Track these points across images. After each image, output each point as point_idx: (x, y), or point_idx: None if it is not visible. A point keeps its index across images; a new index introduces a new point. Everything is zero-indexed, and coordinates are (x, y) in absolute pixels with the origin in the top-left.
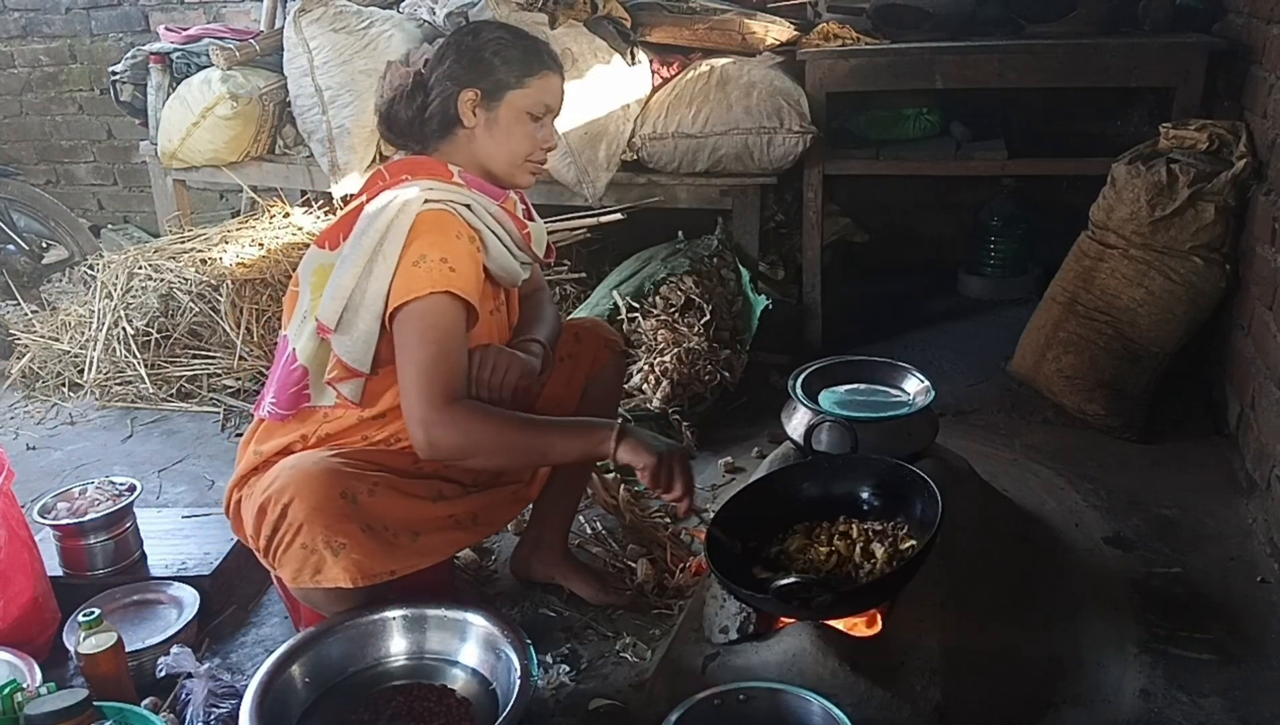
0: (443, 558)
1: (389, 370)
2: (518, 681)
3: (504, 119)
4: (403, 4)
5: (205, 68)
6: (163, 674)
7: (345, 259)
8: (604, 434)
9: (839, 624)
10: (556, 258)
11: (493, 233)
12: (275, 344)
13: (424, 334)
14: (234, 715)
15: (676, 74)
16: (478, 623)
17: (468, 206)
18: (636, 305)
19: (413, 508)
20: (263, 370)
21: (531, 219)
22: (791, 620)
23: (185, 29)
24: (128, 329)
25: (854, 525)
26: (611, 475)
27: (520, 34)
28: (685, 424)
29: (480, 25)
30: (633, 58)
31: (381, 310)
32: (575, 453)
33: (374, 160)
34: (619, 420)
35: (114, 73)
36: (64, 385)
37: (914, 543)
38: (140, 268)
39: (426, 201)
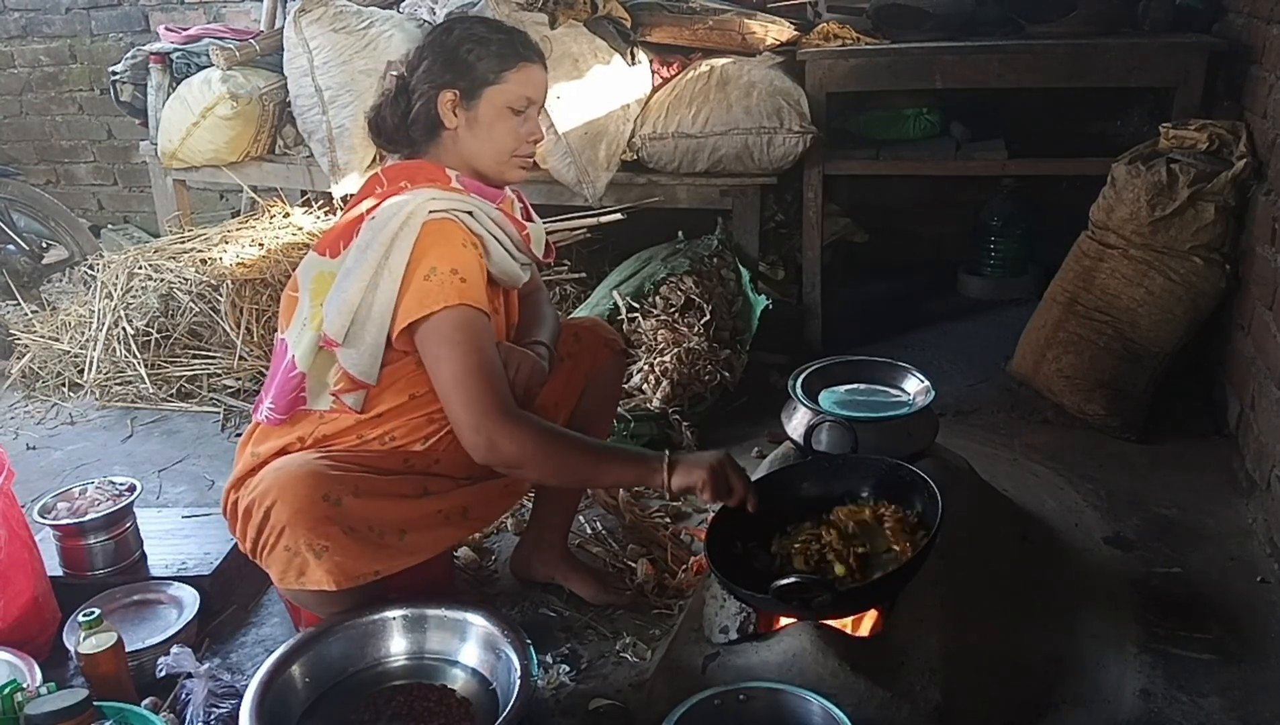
0: (432, 555)
1: (387, 374)
2: (518, 681)
3: (484, 117)
4: (403, 4)
5: (205, 68)
6: (163, 674)
7: (349, 272)
8: (655, 467)
9: (839, 624)
10: (556, 258)
11: (494, 237)
12: (275, 342)
13: (461, 346)
14: (234, 715)
15: (676, 74)
16: (478, 623)
17: (469, 213)
18: (636, 305)
19: (399, 506)
20: (262, 370)
21: (530, 219)
22: (791, 620)
23: (185, 29)
24: (128, 329)
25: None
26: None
27: (496, 26)
28: (685, 424)
29: (455, 21)
30: (633, 58)
31: (388, 323)
32: (626, 481)
33: (374, 160)
34: (665, 452)
35: (114, 73)
36: (64, 385)
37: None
38: (140, 268)
39: (431, 212)
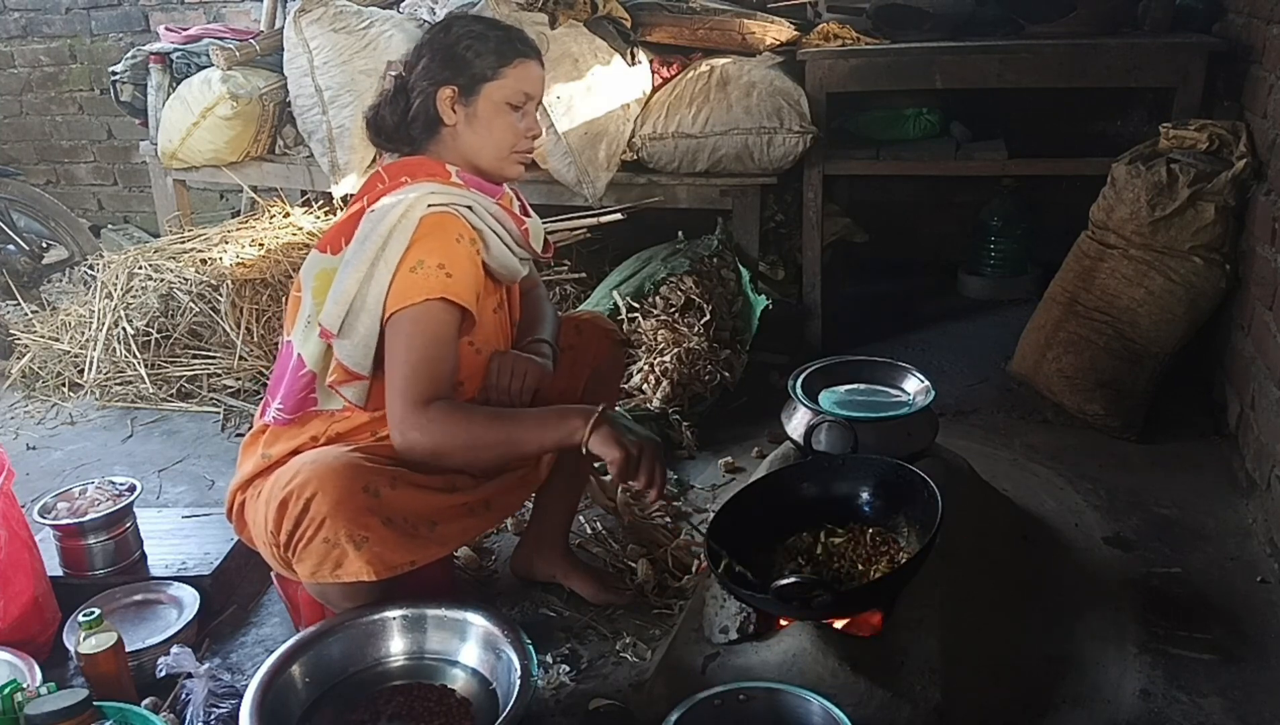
0: (459, 546)
1: None
2: (518, 681)
3: (483, 112)
4: (403, 4)
5: (205, 68)
6: (163, 674)
7: (348, 264)
8: (577, 423)
9: (839, 624)
10: (557, 258)
11: (493, 231)
12: (276, 344)
13: (411, 339)
14: (234, 715)
15: (676, 74)
16: (478, 623)
17: (469, 207)
18: (636, 305)
19: (430, 499)
20: (263, 370)
21: (527, 215)
22: (791, 620)
23: (185, 29)
24: (128, 329)
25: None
26: (610, 476)
27: (493, 24)
28: (685, 424)
29: (453, 20)
30: (633, 58)
31: (380, 314)
32: (549, 443)
33: (374, 160)
34: (599, 407)
35: (114, 73)
36: (64, 385)
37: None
38: (140, 268)
39: (430, 206)
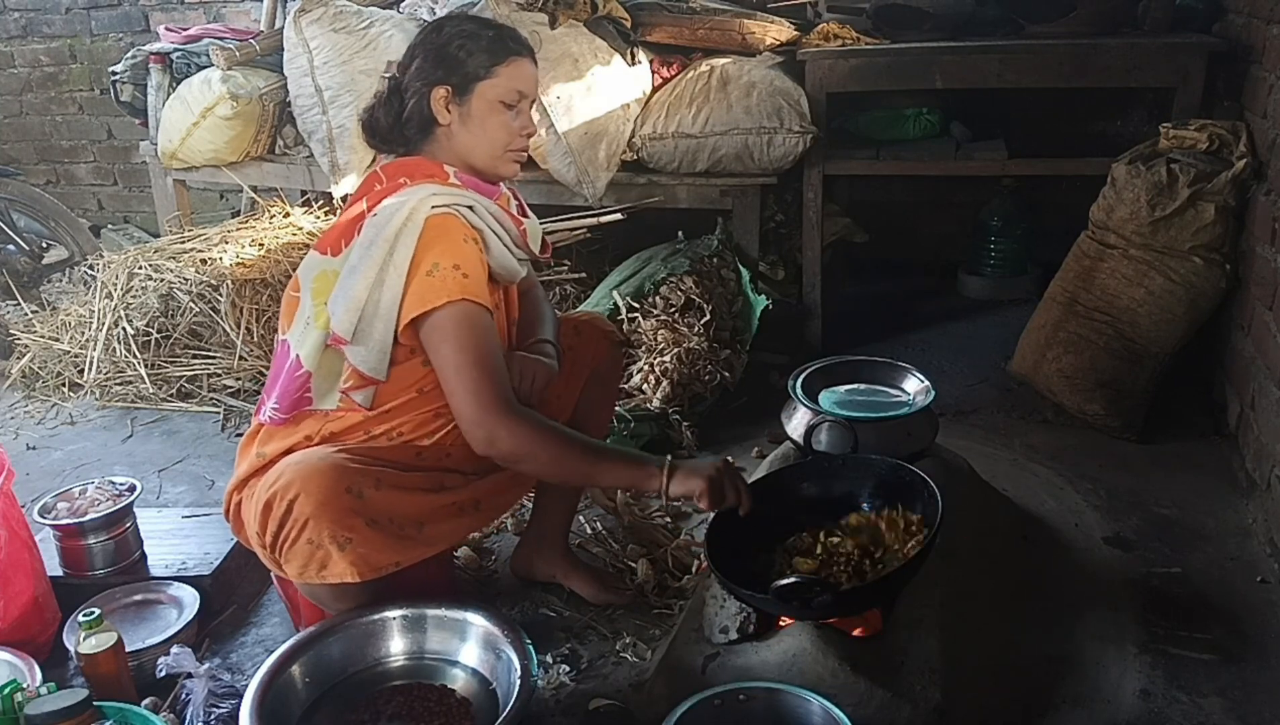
0: (448, 546)
1: (396, 373)
2: (518, 681)
3: (477, 111)
4: (403, 4)
5: (205, 68)
6: (163, 674)
7: (354, 269)
8: (653, 471)
9: (839, 624)
10: (557, 258)
11: (493, 232)
12: (275, 344)
13: (462, 341)
14: (234, 715)
15: (676, 74)
16: (478, 623)
17: (470, 208)
18: (636, 305)
19: (417, 499)
20: (263, 370)
21: (525, 215)
22: (791, 620)
23: (185, 29)
24: (128, 329)
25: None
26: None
27: (485, 23)
28: (685, 424)
29: (445, 20)
30: (633, 58)
31: (395, 319)
32: (623, 483)
33: (374, 160)
34: (667, 457)
35: (114, 73)
36: (64, 385)
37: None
38: (140, 268)
39: (433, 207)
